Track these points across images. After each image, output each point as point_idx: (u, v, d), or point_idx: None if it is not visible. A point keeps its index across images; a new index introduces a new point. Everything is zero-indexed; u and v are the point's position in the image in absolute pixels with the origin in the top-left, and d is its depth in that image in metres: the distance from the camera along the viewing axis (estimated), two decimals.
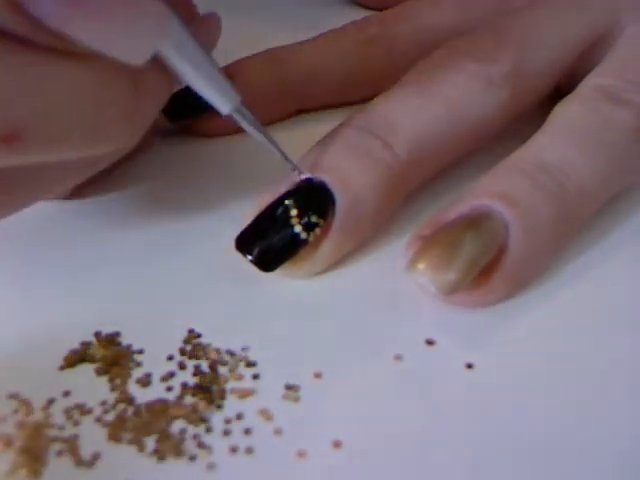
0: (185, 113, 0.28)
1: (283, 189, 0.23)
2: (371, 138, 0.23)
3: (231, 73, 0.28)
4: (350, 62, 0.29)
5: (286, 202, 0.22)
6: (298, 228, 0.22)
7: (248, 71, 0.29)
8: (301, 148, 0.24)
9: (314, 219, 0.22)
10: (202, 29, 0.26)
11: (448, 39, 0.26)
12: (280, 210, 0.22)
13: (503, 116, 0.25)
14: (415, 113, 0.24)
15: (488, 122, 0.25)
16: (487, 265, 0.21)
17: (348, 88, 0.30)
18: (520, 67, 0.25)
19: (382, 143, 0.23)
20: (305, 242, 0.22)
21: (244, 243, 0.22)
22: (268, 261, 0.22)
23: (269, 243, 0.22)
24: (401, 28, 0.29)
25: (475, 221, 0.21)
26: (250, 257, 0.22)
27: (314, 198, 0.22)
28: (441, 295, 0.20)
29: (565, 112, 0.24)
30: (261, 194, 0.23)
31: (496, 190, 0.22)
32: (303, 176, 0.23)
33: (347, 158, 0.23)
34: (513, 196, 0.21)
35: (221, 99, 0.21)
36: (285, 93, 0.29)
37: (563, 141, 0.23)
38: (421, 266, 0.20)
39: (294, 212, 0.22)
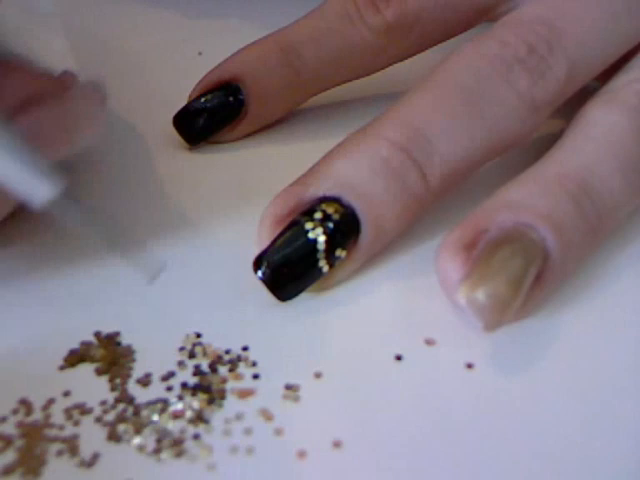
0: (203, 135, 0.28)
1: (302, 201, 0.22)
2: (409, 164, 0.22)
3: (238, 74, 0.27)
4: (367, 54, 0.27)
5: (311, 230, 0.21)
6: (322, 262, 0.21)
7: (258, 74, 0.27)
8: (304, 148, 0.24)
9: (339, 253, 0.21)
10: (66, 108, 0.21)
11: (470, 15, 0.25)
12: (305, 237, 0.21)
13: (534, 131, 0.24)
14: (457, 139, 0.22)
15: (518, 141, 0.24)
16: None
17: (363, 74, 0.28)
18: (566, 84, 0.23)
19: (419, 174, 0.22)
20: (324, 274, 0.22)
21: (274, 280, 0.21)
22: (283, 291, 0.21)
23: (289, 272, 0.21)
24: (421, 5, 0.26)
25: (521, 243, 0.20)
26: (276, 296, 0.21)
27: (342, 229, 0.21)
28: (487, 331, 0.20)
29: (607, 121, 0.22)
30: (276, 199, 0.22)
31: (543, 211, 0.20)
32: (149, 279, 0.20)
33: (382, 184, 0.22)
34: (559, 223, 0.20)
35: (35, 186, 0.17)
36: (298, 91, 0.28)
37: (608, 162, 0.22)
38: (481, 297, 0.19)
39: (321, 246, 0.21)
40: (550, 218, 0.20)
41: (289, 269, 0.21)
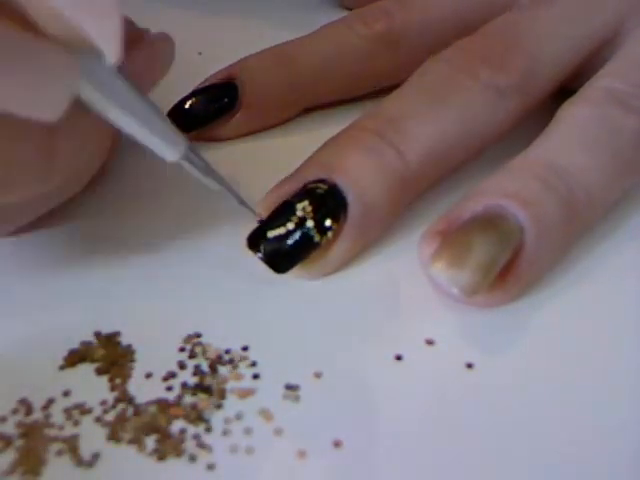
0: (196, 123, 0.28)
1: (291, 188, 0.23)
2: (384, 144, 0.23)
3: (236, 73, 0.28)
4: (357, 59, 0.29)
5: (298, 203, 0.22)
6: (312, 231, 0.22)
7: (254, 71, 0.29)
8: (308, 149, 0.24)
9: (328, 223, 0.22)
10: (151, 53, 0.23)
11: (455, 35, 0.26)
12: (293, 211, 0.22)
13: (510, 123, 0.25)
14: (427, 120, 0.24)
15: (495, 130, 0.25)
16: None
17: (355, 85, 0.30)
18: (529, 76, 0.25)
19: (395, 151, 0.23)
20: (317, 245, 0.22)
21: (256, 242, 0.22)
22: (280, 262, 0.22)
23: (281, 244, 0.22)
24: (407, 22, 0.29)
25: (491, 221, 0.21)
26: (261, 256, 0.22)
27: (328, 201, 0.22)
28: (464, 296, 0.20)
29: (573, 115, 0.24)
30: (268, 193, 0.23)
31: (510, 191, 0.22)
32: (258, 218, 0.22)
33: (360, 163, 0.23)
34: (526, 198, 0.21)
35: (166, 146, 0.20)
36: (292, 92, 0.29)
37: (572, 145, 0.23)
38: (439, 265, 0.20)
39: (309, 214, 0.22)
40: (517, 196, 0.21)
41: (280, 239, 0.22)
